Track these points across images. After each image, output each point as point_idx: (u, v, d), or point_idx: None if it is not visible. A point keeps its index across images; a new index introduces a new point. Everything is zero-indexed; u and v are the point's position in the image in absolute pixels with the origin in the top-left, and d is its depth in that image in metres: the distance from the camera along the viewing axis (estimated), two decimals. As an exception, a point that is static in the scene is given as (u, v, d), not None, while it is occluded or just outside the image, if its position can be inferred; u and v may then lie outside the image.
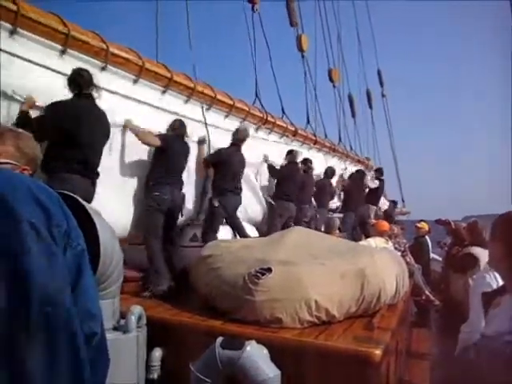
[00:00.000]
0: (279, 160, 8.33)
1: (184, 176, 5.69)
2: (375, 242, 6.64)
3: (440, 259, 10.37)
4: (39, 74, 4.32)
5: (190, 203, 6.13)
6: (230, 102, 7.22)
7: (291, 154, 8.27)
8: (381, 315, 3.88)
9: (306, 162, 9.02)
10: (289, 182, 7.95)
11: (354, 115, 16.79)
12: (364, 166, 14.24)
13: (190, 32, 7.32)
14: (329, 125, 13.31)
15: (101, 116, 4.44)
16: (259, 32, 9.42)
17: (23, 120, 3.98)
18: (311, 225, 8.51)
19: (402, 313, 4.56)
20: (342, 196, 11.29)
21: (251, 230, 7.05)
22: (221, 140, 6.61)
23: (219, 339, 2.98)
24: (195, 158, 6.37)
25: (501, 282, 2.24)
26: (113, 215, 4.48)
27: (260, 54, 9.50)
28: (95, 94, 4.38)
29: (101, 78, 4.86)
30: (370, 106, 19.06)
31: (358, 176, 11.24)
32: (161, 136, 5.41)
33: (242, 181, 6.62)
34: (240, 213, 6.65)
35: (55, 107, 4.09)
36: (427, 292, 7.61)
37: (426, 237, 10.14)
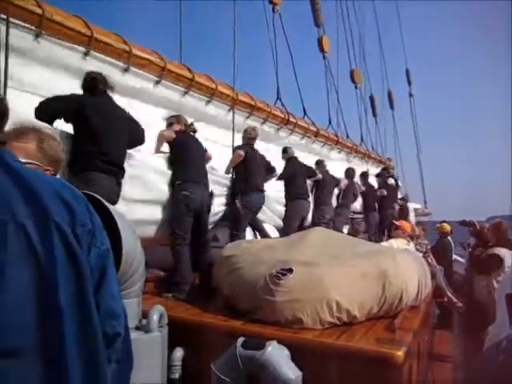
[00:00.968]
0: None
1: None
2: (397, 243, 6.59)
3: (463, 261, 10.26)
4: (62, 77, 4.36)
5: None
6: (252, 103, 7.23)
7: (286, 151, 8.05)
8: (403, 316, 3.85)
9: (319, 163, 8.90)
10: (295, 179, 7.83)
11: (375, 115, 16.71)
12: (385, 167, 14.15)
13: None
14: (350, 125, 13.27)
15: (121, 112, 4.39)
16: (280, 33, 9.39)
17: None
18: (330, 225, 8.43)
19: (424, 314, 4.52)
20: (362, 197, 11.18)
21: (272, 231, 7.04)
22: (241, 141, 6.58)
23: (240, 339, 2.98)
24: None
25: None
26: (139, 215, 4.50)
27: (281, 54, 9.47)
28: (110, 93, 4.33)
29: (123, 79, 4.91)
30: (392, 107, 18.94)
31: (383, 176, 11.13)
32: (176, 132, 5.29)
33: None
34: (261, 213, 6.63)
35: (73, 97, 4.05)
36: (449, 294, 7.53)
37: (449, 238, 10.05)
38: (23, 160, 1.71)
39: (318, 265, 3.89)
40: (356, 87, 14.86)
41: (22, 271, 1.11)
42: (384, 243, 6.90)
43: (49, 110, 3.89)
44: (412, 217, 12.91)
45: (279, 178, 7.79)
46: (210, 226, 5.89)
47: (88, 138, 4.03)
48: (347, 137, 12.55)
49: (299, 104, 10.41)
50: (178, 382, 3.44)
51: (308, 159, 8.41)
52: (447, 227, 10.04)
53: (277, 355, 2.88)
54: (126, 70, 5.10)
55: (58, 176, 2.00)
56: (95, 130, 4.04)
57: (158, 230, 5.11)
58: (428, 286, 4.66)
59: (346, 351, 3.16)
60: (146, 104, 5.55)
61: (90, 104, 4.08)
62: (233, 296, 4.04)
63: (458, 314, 7.82)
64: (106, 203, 2.61)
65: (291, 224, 7.45)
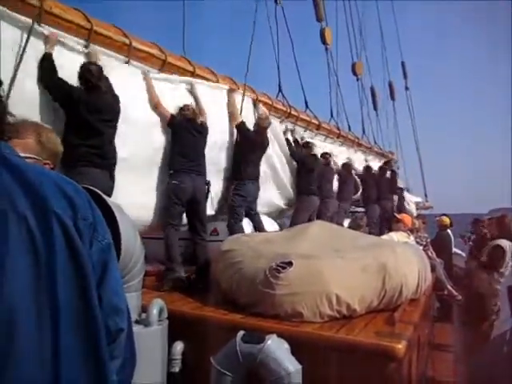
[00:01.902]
0: None
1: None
2: (397, 236, 6.60)
3: (463, 254, 10.28)
4: (63, 69, 4.34)
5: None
6: (253, 96, 7.20)
7: (308, 146, 8.22)
8: (403, 310, 3.85)
9: (326, 155, 8.96)
10: (309, 174, 7.91)
11: (376, 108, 16.64)
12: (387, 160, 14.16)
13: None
14: (352, 118, 13.21)
15: (113, 104, 4.44)
16: (282, 25, 9.32)
17: (47, 64, 4.07)
18: (333, 219, 8.45)
19: (425, 307, 4.53)
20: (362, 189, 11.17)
21: (271, 224, 7.04)
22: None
23: (240, 333, 2.98)
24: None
25: None
26: (134, 205, 4.51)
27: (282, 47, 9.41)
28: (104, 87, 4.39)
29: (124, 72, 4.90)
30: (393, 98, 18.85)
31: (383, 169, 11.15)
32: (172, 115, 5.36)
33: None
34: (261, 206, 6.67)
35: (73, 88, 4.16)
36: (449, 286, 7.55)
37: (448, 231, 10.06)
38: (22, 154, 1.70)
39: (318, 258, 3.89)
40: (358, 79, 14.81)
41: (21, 262, 1.10)
42: (384, 236, 6.91)
43: (62, 87, 4.07)
44: (413, 209, 12.91)
45: (292, 156, 7.84)
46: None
47: (81, 132, 4.10)
48: (349, 129, 12.53)
49: (300, 97, 10.40)
50: (178, 376, 3.45)
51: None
52: (447, 220, 10.05)
53: (277, 348, 2.88)
54: (126, 63, 5.08)
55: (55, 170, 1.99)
56: (88, 124, 4.13)
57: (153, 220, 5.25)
58: (428, 279, 4.67)
59: (345, 344, 3.16)
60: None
61: (84, 98, 4.17)
62: (232, 290, 4.04)
63: (457, 306, 7.85)
64: (105, 196, 2.61)
65: (300, 218, 7.48)
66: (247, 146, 6.32)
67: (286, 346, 2.99)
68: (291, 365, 2.83)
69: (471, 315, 7.02)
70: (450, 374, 5.00)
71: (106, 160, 4.28)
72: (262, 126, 6.59)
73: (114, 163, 4.42)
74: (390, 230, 7.61)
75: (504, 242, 6.44)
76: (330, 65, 12.22)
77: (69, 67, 4.30)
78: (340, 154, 10.26)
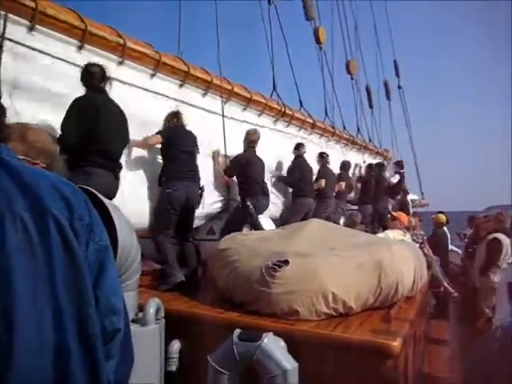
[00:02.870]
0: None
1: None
2: (393, 234, 6.61)
3: (459, 251, 10.31)
4: (57, 70, 4.34)
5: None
6: (248, 95, 7.20)
7: (299, 147, 8.19)
8: (398, 307, 3.87)
9: (322, 155, 8.98)
10: (302, 177, 7.92)
11: (371, 106, 16.63)
12: (383, 158, 14.14)
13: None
14: (347, 117, 13.19)
15: (116, 108, 4.40)
16: (275, 25, 9.32)
17: None
18: (331, 218, 8.45)
19: (420, 304, 4.54)
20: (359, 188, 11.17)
21: (269, 224, 7.04)
22: (238, 132, 6.63)
23: (236, 331, 2.99)
24: (212, 172, 6.43)
25: None
26: (135, 207, 4.53)
27: (276, 46, 9.41)
28: (107, 87, 4.36)
29: (118, 72, 4.90)
30: (388, 97, 18.83)
31: (377, 169, 11.13)
32: (159, 132, 5.27)
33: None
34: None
35: (75, 107, 4.05)
36: (445, 284, 7.58)
37: (444, 228, 10.08)
38: None
39: (314, 256, 3.90)
40: (352, 78, 14.78)
41: (18, 262, 1.11)
42: (380, 234, 6.91)
43: (73, 138, 3.95)
44: (409, 207, 12.91)
45: (288, 174, 7.84)
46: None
47: (89, 134, 4.05)
48: (344, 128, 12.51)
49: (295, 96, 10.39)
50: (175, 375, 3.45)
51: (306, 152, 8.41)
52: (443, 218, 10.07)
53: (273, 346, 2.89)
54: (120, 63, 5.07)
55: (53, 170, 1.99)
56: (96, 127, 4.07)
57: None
58: (424, 277, 4.68)
59: (342, 342, 3.17)
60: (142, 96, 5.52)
61: (90, 102, 4.12)
62: (229, 288, 4.05)
63: (453, 303, 7.89)
64: (101, 196, 2.61)
65: (295, 218, 7.49)
66: (250, 171, 6.34)
67: (283, 344, 3.00)
68: (288, 363, 2.83)
69: (467, 312, 7.07)
70: (446, 371, 5.02)
71: (111, 161, 4.25)
72: (252, 140, 6.57)
73: (119, 164, 4.39)
74: (384, 228, 7.63)
75: (501, 236, 6.55)
76: (324, 64, 12.21)
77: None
78: (334, 153, 10.27)
